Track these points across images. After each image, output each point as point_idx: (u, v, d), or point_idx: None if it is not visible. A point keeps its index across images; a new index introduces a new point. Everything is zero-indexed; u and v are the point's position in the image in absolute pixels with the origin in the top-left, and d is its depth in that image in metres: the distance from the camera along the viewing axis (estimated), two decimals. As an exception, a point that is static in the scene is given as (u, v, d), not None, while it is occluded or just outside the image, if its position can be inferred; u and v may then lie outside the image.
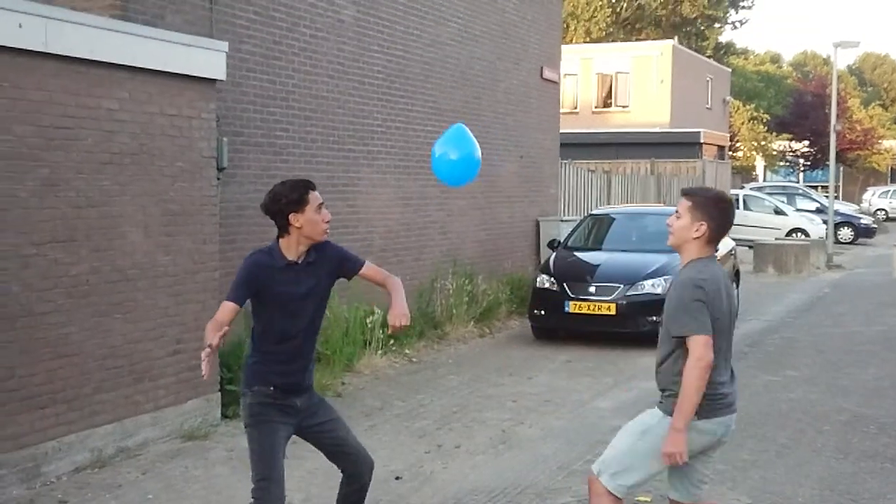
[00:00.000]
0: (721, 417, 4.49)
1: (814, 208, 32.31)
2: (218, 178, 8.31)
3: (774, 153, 54.19)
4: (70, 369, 6.78)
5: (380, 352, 10.61)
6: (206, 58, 7.92)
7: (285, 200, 4.60)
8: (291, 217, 4.59)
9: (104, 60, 6.96)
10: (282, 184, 4.72)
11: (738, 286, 14.80)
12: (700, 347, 4.30)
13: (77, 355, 6.85)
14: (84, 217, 6.88)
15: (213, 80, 8.08)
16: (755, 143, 52.23)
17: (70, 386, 6.78)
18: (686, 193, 4.59)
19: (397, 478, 6.82)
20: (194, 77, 7.82)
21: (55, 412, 6.67)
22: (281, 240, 4.67)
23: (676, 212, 4.56)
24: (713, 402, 4.42)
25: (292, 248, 4.67)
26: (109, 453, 7.05)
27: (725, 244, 14.62)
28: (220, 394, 8.14)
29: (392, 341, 10.83)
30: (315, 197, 4.65)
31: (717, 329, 4.40)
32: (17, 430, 6.38)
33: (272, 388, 4.67)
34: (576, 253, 13.50)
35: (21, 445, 6.40)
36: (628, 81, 38.48)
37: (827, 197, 29.55)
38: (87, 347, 6.92)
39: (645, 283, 12.07)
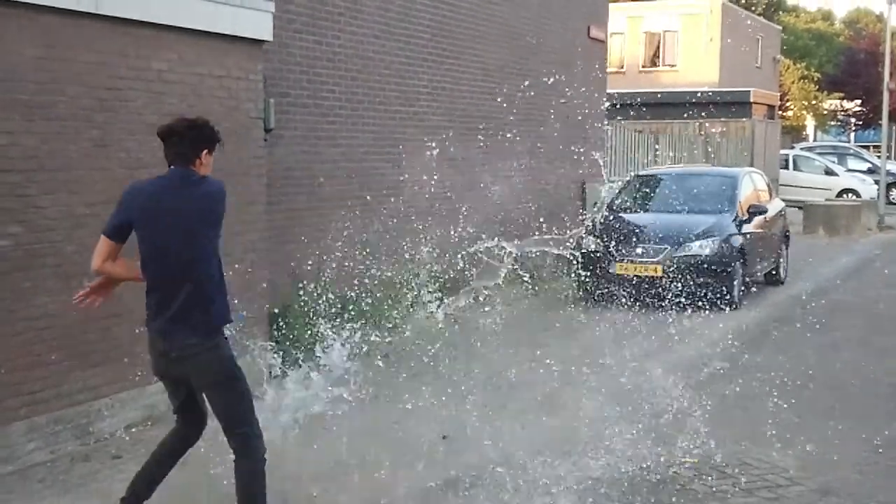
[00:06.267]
0: None
1: (865, 168, 31.73)
2: (265, 140, 8.35)
3: (825, 113, 53.24)
4: (122, 328, 6.89)
5: (425, 312, 10.64)
6: (253, 18, 7.94)
7: (209, 133, 4.59)
8: (204, 153, 4.58)
9: (153, 21, 7.00)
10: (204, 120, 4.70)
11: (787, 248, 14.63)
12: None
13: (129, 314, 6.95)
14: (135, 178, 6.93)
15: (260, 41, 8.10)
16: (806, 103, 51.35)
17: (122, 344, 6.90)
18: None
19: (444, 437, 6.87)
20: (241, 38, 7.84)
21: (108, 370, 6.80)
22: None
23: None
24: None
25: None
26: (161, 410, 7.16)
27: (775, 205, 14.46)
28: (268, 353, 8.23)
29: (438, 302, 10.85)
30: None
31: None
32: (71, 388, 6.52)
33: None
34: (622, 214, 13.40)
35: (75, 402, 6.55)
36: (676, 40, 37.95)
37: (879, 157, 29.01)
38: (138, 306, 7.00)
39: (692, 244, 11.98)
